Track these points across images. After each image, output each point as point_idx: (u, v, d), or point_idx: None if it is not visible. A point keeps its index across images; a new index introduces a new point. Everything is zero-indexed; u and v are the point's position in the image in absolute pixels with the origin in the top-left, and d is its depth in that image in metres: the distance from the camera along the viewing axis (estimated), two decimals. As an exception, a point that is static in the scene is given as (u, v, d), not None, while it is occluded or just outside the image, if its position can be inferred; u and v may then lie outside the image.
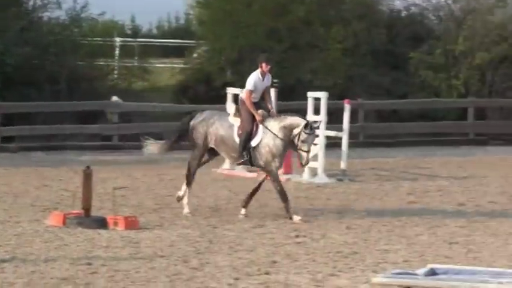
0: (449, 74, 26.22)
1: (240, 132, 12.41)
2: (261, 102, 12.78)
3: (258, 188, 12.73)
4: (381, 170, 18.66)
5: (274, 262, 9.44)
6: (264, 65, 12.67)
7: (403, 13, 28.88)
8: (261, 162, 12.47)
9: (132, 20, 34.02)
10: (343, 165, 17.10)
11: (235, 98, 15.66)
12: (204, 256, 9.69)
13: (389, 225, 12.15)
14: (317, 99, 17.34)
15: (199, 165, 13.03)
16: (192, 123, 12.85)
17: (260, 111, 12.49)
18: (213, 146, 12.66)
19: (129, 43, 30.54)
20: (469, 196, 15.11)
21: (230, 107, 16.75)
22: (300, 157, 12.46)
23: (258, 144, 12.38)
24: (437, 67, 26.12)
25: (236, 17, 26.33)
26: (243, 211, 12.61)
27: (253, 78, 12.59)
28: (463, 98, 25.85)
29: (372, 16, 27.26)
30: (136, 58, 29.24)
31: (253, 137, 12.41)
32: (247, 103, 12.44)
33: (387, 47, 26.94)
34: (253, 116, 12.40)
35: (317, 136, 13.59)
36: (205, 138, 12.60)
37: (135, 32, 33.63)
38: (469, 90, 26.03)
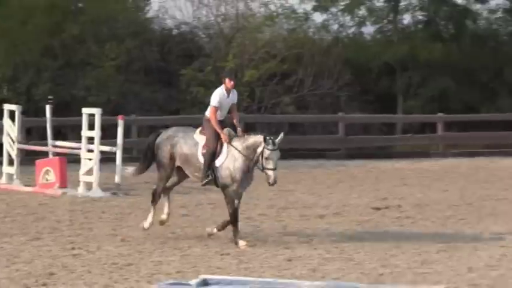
0: (219, 91, 26.71)
1: (204, 151, 11.66)
2: (226, 121, 12.13)
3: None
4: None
5: (52, 274, 9.45)
6: (227, 80, 12.00)
7: (174, 31, 29.22)
8: (221, 184, 11.74)
9: None
10: (117, 179, 17.08)
11: (12, 114, 15.30)
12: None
13: (162, 237, 12.23)
14: (91, 115, 17.27)
15: (169, 187, 12.47)
16: (157, 141, 12.11)
17: (226, 129, 11.76)
18: (179, 164, 11.93)
19: None
20: (240, 209, 15.43)
21: (6, 123, 16.36)
22: (267, 177, 11.50)
23: (221, 165, 11.64)
24: (208, 84, 26.63)
25: (11, 34, 25.75)
26: (214, 230, 12.13)
27: (218, 95, 11.87)
28: (231, 114, 26.37)
29: (144, 34, 27.49)
30: None
31: (217, 157, 11.66)
32: (212, 121, 11.64)
33: (160, 64, 27.27)
34: (219, 135, 11.63)
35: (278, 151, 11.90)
36: (171, 157, 11.87)
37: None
38: (240, 106, 26.79)
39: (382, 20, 31.18)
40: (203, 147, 11.67)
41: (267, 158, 11.32)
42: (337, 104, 27.63)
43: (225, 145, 11.62)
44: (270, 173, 11.37)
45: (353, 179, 21.11)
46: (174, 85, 27.14)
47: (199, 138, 11.82)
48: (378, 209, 12.99)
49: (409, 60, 29.21)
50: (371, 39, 31.69)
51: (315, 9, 30.27)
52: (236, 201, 11.90)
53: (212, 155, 11.58)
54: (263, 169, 11.45)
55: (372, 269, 10.19)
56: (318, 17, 30.76)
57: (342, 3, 30.44)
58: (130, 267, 10.05)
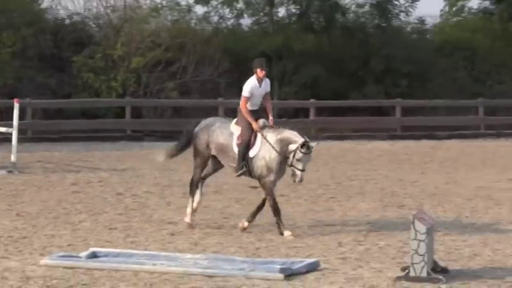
0: (108, 77, 26.52)
1: (239, 141, 10.82)
2: (260, 111, 11.29)
3: (262, 205, 11.04)
4: (47, 163, 18.56)
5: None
6: (258, 70, 11.04)
7: (67, 21, 28.95)
8: (257, 175, 10.87)
9: None
10: (13, 158, 16.90)
11: None
12: None
13: (55, 212, 12.20)
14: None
15: (205, 175, 11.53)
16: (195, 130, 11.28)
17: (260, 120, 10.95)
18: (214, 154, 11.14)
19: None
20: (127, 186, 15.12)
21: None
22: (293, 175, 10.73)
23: (255, 155, 10.79)
24: (98, 70, 26.48)
25: None
26: (246, 224, 10.96)
27: (250, 85, 10.97)
28: (120, 98, 26.28)
29: (39, 23, 27.13)
30: None
31: (251, 147, 10.82)
32: (243, 111, 10.89)
33: (53, 51, 27.03)
34: (252, 125, 10.86)
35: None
36: (207, 145, 11.08)
37: None
38: (126, 91, 26.68)
39: (259, 12, 31.40)
40: (237, 138, 10.88)
41: (298, 160, 10.56)
42: (217, 90, 27.62)
43: (258, 136, 10.83)
44: (298, 173, 10.66)
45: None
46: (66, 71, 26.90)
47: (235, 128, 11.01)
48: (255, 187, 13.07)
49: (284, 50, 29.30)
50: (248, 30, 32.00)
51: (196, 2, 30.31)
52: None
53: (246, 146, 10.82)
54: (291, 165, 10.69)
55: (249, 243, 10.21)
56: (200, 9, 30.94)
57: (222, -3, 30.69)
58: (24, 240, 10.03)
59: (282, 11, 32.12)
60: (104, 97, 26.41)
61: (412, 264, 8.02)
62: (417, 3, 32.40)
